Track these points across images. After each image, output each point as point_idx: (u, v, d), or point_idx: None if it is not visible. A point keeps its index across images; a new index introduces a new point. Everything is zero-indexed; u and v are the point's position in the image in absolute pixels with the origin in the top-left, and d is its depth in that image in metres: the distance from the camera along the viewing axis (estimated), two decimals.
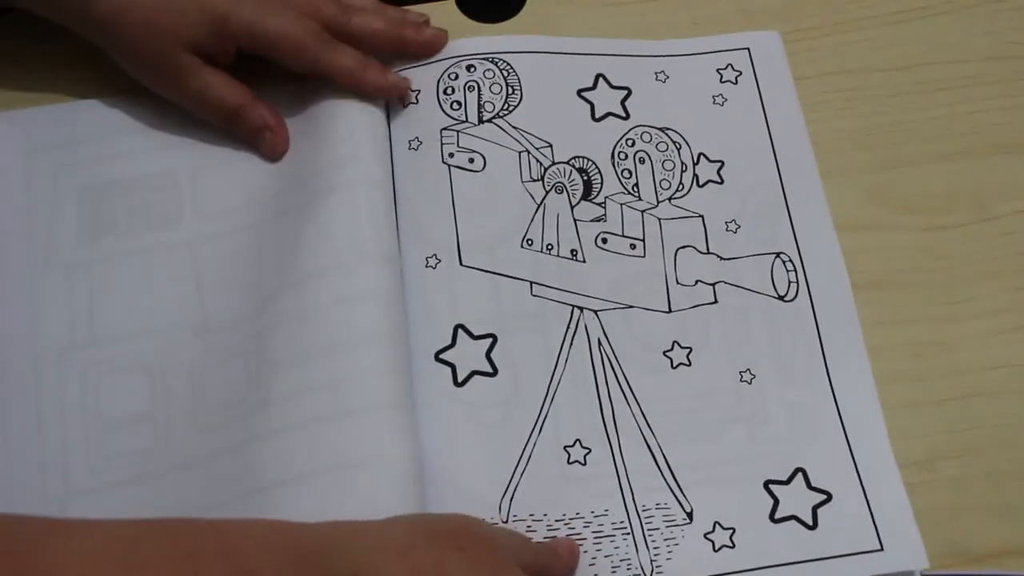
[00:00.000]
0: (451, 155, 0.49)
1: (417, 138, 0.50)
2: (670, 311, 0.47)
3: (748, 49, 0.53)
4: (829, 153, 0.51)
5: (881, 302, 0.48)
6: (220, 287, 0.47)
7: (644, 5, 0.55)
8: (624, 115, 0.51)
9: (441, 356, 0.46)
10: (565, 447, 0.44)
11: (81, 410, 0.45)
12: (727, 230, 0.49)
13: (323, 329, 0.44)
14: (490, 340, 0.46)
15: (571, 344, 0.46)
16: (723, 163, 0.50)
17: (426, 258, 0.47)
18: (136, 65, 0.49)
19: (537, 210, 0.49)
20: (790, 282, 0.47)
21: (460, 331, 0.46)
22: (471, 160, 0.49)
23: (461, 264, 0.47)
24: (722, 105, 0.52)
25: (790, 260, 0.48)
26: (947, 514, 0.43)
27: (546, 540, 0.42)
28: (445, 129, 0.50)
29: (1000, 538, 0.43)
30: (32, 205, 0.48)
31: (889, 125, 0.52)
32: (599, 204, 0.49)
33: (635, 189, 0.50)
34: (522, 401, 0.45)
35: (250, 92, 0.49)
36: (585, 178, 0.50)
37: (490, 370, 0.45)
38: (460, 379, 0.45)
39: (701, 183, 0.50)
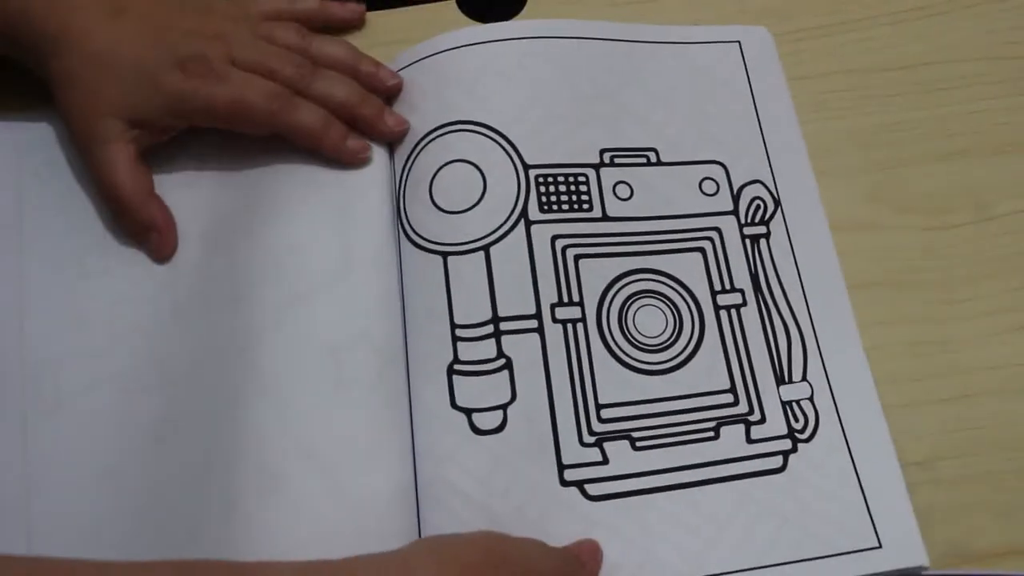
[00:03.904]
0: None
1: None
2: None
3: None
4: (829, 153, 0.51)
5: (880, 302, 0.48)
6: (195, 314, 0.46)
7: (645, 5, 0.55)
8: None
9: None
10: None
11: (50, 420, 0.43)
12: None
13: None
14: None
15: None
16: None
17: None
18: (66, 118, 0.46)
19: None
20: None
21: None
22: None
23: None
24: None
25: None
26: (947, 514, 0.43)
27: (568, 546, 0.41)
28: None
29: (1000, 538, 0.43)
30: (22, 215, 0.47)
31: (889, 125, 0.52)
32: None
33: None
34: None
35: (150, 185, 0.47)
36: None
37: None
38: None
39: None
